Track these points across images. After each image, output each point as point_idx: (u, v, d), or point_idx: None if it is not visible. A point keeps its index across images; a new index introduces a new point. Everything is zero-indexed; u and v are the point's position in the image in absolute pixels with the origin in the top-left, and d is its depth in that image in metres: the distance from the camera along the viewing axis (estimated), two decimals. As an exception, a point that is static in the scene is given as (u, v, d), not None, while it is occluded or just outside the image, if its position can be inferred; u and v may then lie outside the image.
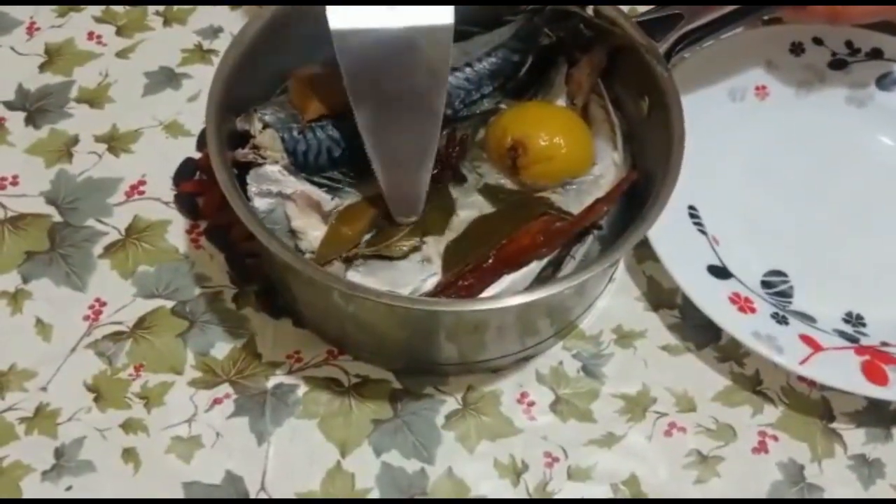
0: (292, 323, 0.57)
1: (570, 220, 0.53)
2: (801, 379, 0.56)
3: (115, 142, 0.63)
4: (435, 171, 0.55)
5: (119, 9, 0.69)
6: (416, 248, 0.53)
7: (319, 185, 0.54)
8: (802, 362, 0.54)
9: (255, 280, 0.58)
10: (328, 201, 0.54)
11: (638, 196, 0.55)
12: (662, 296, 0.59)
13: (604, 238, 0.54)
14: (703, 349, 0.58)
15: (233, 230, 0.60)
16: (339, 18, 0.48)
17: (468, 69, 0.57)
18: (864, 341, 0.56)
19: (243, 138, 0.54)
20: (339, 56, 0.49)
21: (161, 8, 0.69)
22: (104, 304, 0.57)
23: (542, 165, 0.54)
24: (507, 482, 0.53)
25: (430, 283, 0.52)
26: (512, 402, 0.55)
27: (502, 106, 0.58)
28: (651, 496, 0.53)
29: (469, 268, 0.51)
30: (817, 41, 0.66)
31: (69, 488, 0.52)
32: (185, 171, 0.62)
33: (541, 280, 0.52)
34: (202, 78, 0.66)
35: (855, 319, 0.58)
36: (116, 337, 0.56)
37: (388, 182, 0.52)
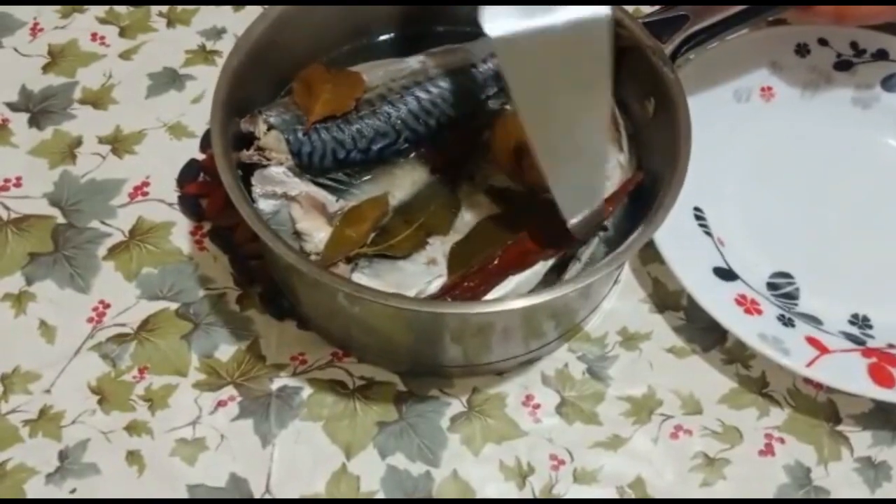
0: (297, 325, 0.57)
1: None
2: (808, 381, 0.56)
3: (119, 143, 0.63)
4: (441, 171, 0.55)
5: (122, 10, 0.69)
6: (420, 248, 0.52)
7: (324, 187, 0.54)
8: (809, 364, 0.53)
9: (259, 282, 0.58)
10: (333, 203, 0.54)
11: (644, 197, 0.55)
12: (668, 298, 0.59)
13: (609, 239, 0.54)
14: (709, 351, 0.57)
15: (237, 232, 0.60)
16: (496, 26, 0.45)
17: (473, 70, 0.57)
18: (871, 343, 0.56)
19: (247, 140, 0.54)
20: (502, 64, 0.46)
21: (164, 9, 0.69)
22: (108, 305, 0.57)
23: None
24: (513, 485, 0.53)
25: (436, 285, 0.51)
26: (517, 404, 0.55)
27: (507, 107, 0.58)
28: (657, 498, 0.53)
29: (474, 269, 0.51)
30: (822, 42, 0.66)
31: (73, 491, 0.52)
32: (189, 173, 0.62)
33: (546, 282, 0.52)
34: (206, 79, 0.66)
35: (861, 321, 0.58)
36: (120, 339, 0.56)
37: (562, 195, 0.50)
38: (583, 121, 0.48)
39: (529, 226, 0.52)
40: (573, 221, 0.51)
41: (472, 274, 0.51)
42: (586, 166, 0.50)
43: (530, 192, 0.55)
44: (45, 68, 0.66)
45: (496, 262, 0.51)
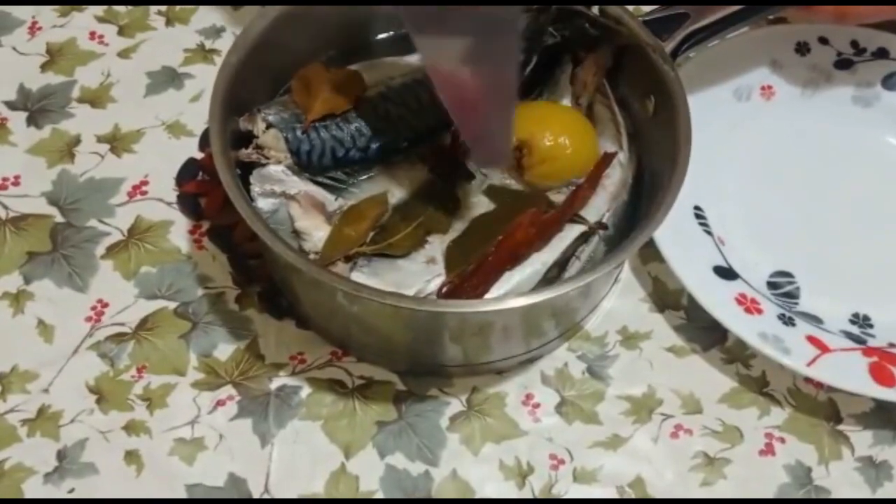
0: (295, 324, 0.57)
1: (558, 210, 0.53)
2: (808, 380, 0.56)
3: (118, 142, 0.63)
4: (440, 170, 0.55)
5: (121, 8, 0.69)
6: (419, 247, 0.52)
7: (323, 186, 0.54)
8: (809, 364, 0.53)
9: (258, 281, 0.58)
10: (332, 201, 0.54)
11: (644, 196, 0.55)
12: (668, 297, 0.59)
13: (609, 238, 0.54)
14: (710, 350, 0.57)
15: (236, 231, 0.59)
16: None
17: (473, 68, 0.57)
18: (872, 342, 0.56)
19: (246, 138, 0.54)
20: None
21: (163, 8, 0.69)
22: (106, 305, 0.57)
23: (547, 165, 0.54)
24: (513, 484, 0.53)
25: (435, 284, 0.51)
26: (517, 403, 0.55)
27: None
28: (657, 498, 0.53)
29: (471, 268, 0.51)
30: (823, 41, 0.66)
31: (71, 490, 0.52)
32: (188, 172, 0.62)
33: (546, 281, 0.52)
34: (204, 78, 0.65)
35: (862, 320, 0.57)
36: (119, 338, 0.56)
37: (462, 119, 0.47)
38: (492, 64, 0.45)
39: (518, 219, 0.52)
40: (476, 156, 0.52)
41: (469, 273, 0.51)
42: (496, 113, 0.48)
43: (529, 190, 0.55)
44: (44, 67, 0.66)
45: (491, 259, 0.51)
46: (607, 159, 0.55)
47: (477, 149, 0.50)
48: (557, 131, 0.54)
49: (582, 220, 0.53)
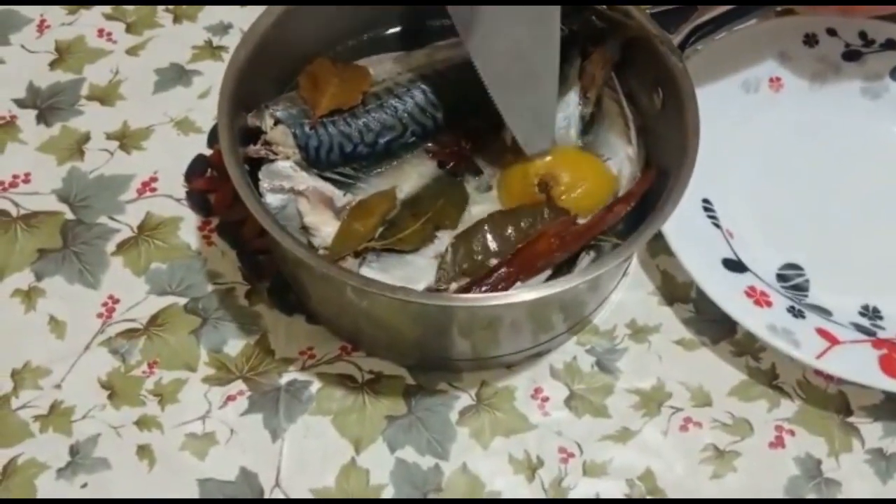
0: (305, 319, 0.57)
1: (588, 224, 0.53)
2: (818, 373, 0.56)
3: (127, 139, 0.63)
4: (450, 165, 0.55)
5: (128, 6, 0.69)
6: (428, 242, 0.52)
7: (331, 181, 0.54)
8: (819, 356, 0.53)
9: (267, 276, 0.58)
10: (340, 197, 0.54)
11: (652, 189, 0.55)
12: (677, 290, 0.59)
13: (618, 232, 0.54)
14: (719, 343, 0.57)
15: (245, 227, 0.60)
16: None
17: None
18: (881, 335, 0.56)
19: (254, 134, 0.54)
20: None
21: (170, 5, 0.69)
22: (117, 301, 0.57)
23: (580, 189, 0.53)
24: (522, 478, 0.53)
25: (444, 279, 0.51)
26: (526, 397, 0.55)
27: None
28: (667, 491, 0.53)
29: (485, 273, 0.51)
30: (831, 32, 0.65)
31: (84, 486, 0.52)
32: (197, 168, 0.62)
33: (555, 275, 0.52)
34: (212, 74, 0.66)
35: (871, 312, 0.57)
36: (130, 334, 0.56)
37: (507, 108, 0.51)
38: (534, 50, 0.50)
39: (544, 227, 0.52)
40: (525, 142, 0.53)
41: (480, 279, 0.50)
42: (539, 93, 0.52)
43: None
44: (53, 65, 0.66)
45: (505, 268, 0.50)
46: (648, 178, 0.54)
47: (522, 130, 0.52)
48: (569, 169, 0.54)
49: (606, 241, 0.53)
